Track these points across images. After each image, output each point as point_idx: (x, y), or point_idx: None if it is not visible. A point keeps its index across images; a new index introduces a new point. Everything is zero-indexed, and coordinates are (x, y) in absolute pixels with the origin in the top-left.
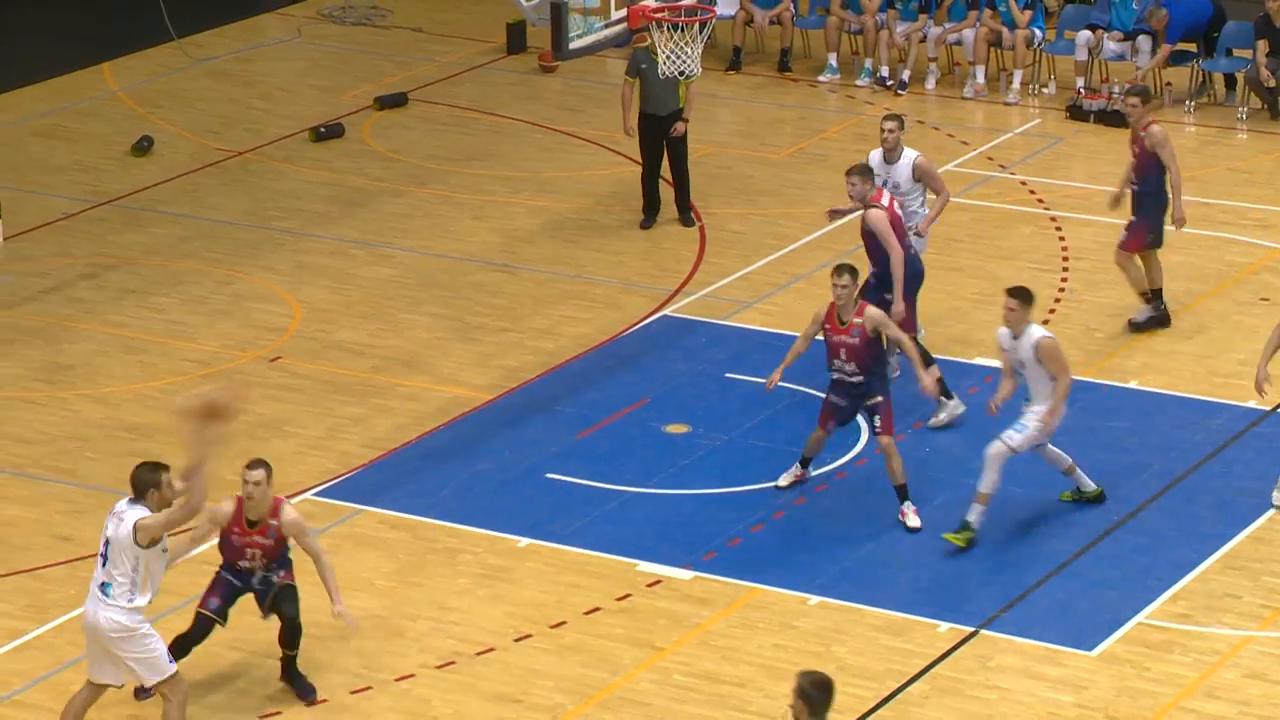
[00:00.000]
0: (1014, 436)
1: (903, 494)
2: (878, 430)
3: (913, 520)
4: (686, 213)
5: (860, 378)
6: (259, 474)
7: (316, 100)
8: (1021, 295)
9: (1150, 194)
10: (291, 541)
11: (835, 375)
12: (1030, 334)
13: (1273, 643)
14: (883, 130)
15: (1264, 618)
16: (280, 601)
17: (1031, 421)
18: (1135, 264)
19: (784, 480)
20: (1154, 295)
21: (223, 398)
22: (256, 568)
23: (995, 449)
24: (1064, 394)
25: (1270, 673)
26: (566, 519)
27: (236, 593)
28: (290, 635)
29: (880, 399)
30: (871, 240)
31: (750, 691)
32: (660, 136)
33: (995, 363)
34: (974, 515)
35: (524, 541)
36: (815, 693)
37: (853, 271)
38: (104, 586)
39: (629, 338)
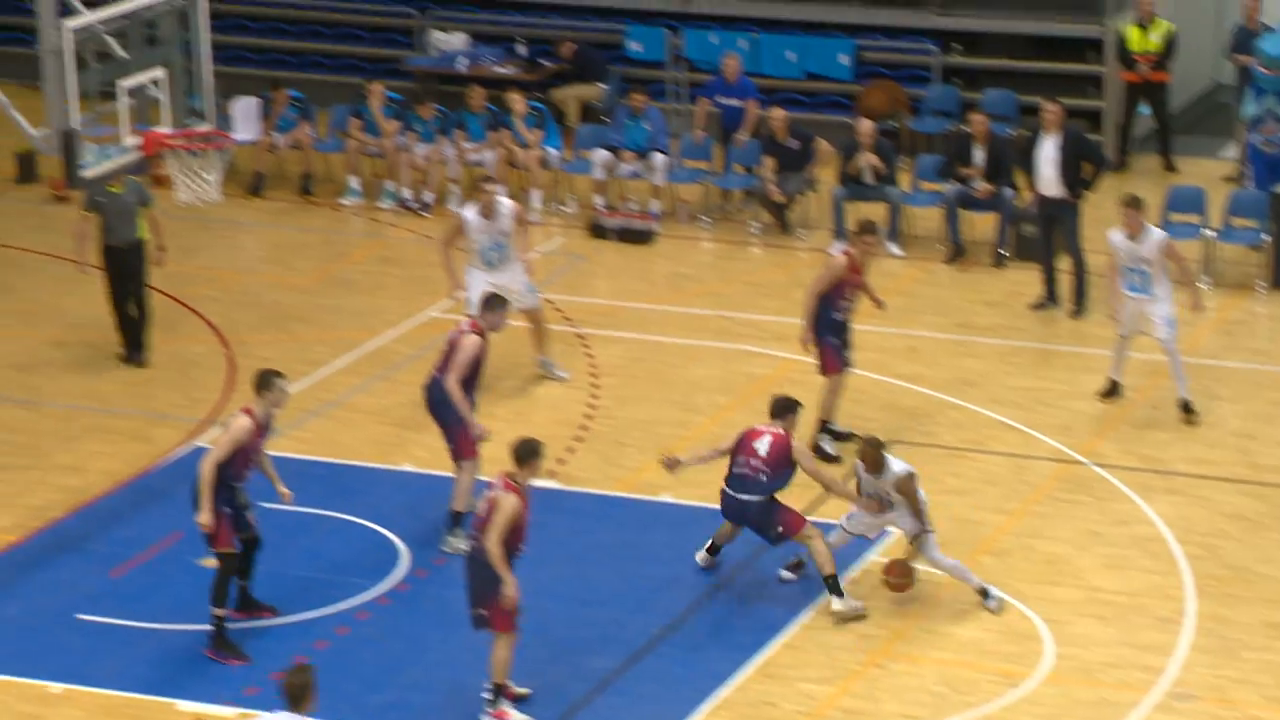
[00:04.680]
0: None
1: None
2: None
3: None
4: (139, 351)
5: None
6: None
7: None
8: (1136, 202)
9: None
10: None
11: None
12: (1151, 234)
13: None
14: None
15: None
16: None
17: None
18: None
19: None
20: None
21: None
22: None
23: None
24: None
25: None
26: (101, 660)
27: None
28: None
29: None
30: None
31: None
32: (122, 268)
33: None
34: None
35: (57, 687)
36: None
37: None
38: None
39: (159, 471)
